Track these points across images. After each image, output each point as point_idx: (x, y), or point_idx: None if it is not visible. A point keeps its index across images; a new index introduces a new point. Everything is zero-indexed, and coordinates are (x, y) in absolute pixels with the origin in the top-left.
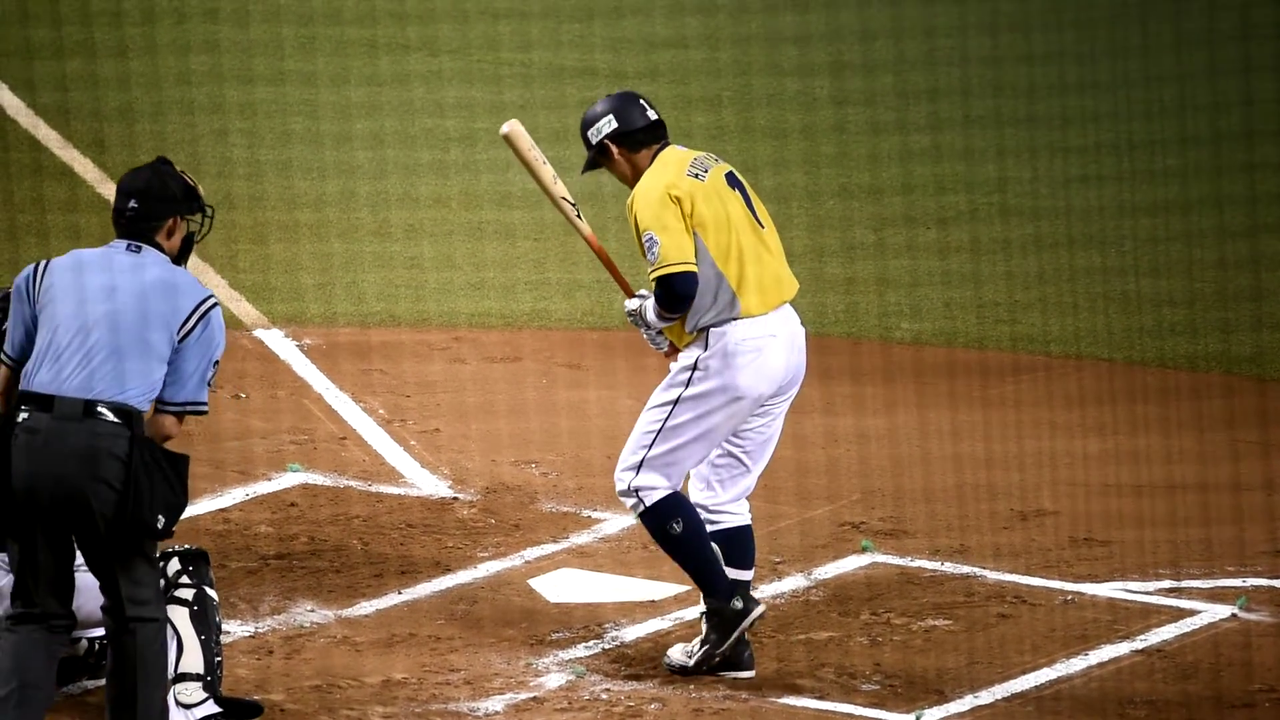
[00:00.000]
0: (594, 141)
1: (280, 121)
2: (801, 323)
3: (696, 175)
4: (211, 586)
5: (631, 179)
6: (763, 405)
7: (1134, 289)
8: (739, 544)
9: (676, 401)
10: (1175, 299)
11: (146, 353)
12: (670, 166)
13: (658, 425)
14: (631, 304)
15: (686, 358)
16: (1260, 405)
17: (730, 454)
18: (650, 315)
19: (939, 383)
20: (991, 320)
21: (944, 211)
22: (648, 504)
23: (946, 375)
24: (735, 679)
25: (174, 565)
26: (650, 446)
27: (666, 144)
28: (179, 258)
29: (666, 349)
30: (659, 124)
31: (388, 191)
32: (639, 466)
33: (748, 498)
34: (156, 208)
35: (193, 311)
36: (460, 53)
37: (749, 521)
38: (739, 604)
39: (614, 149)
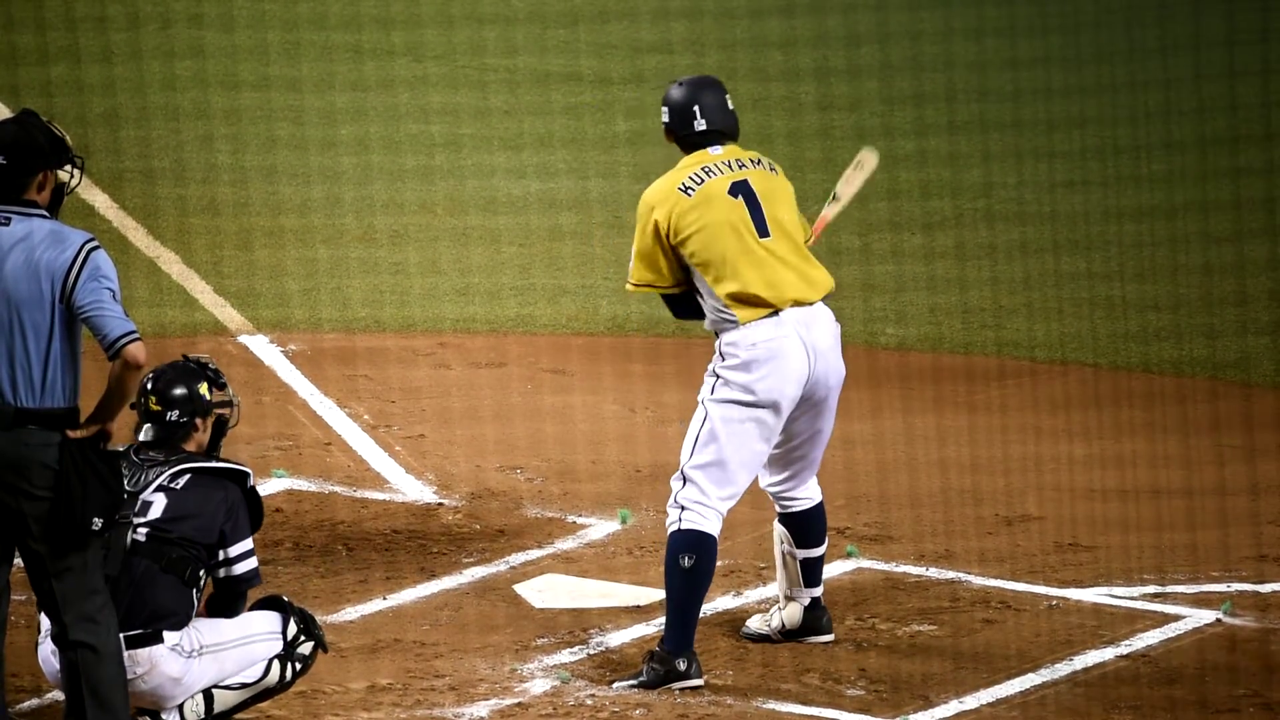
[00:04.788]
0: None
1: (265, 127)
2: (836, 319)
3: (687, 190)
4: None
5: None
6: (799, 406)
7: (1119, 294)
8: (811, 525)
9: (706, 411)
10: (1161, 304)
11: (39, 329)
12: (669, 179)
13: (694, 436)
14: None
15: (711, 365)
16: (1245, 410)
17: (791, 456)
18: None
19: (924, 388)
20: (977, 325)
21: (929, 217)
22: (681, 527)
23: (932, 380)
24: (721, 685)
25: (293, 628)
26: (692, 455)
27: (712, 145)
28: (50, 211)
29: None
30: (707, 133)
31: (373, 197)
32: (683, 479)
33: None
34: (25, 161)
35: (76, 254)
36: (445, 58)
37: (819, 499)
38: (682, 666)
39: (672, 139)
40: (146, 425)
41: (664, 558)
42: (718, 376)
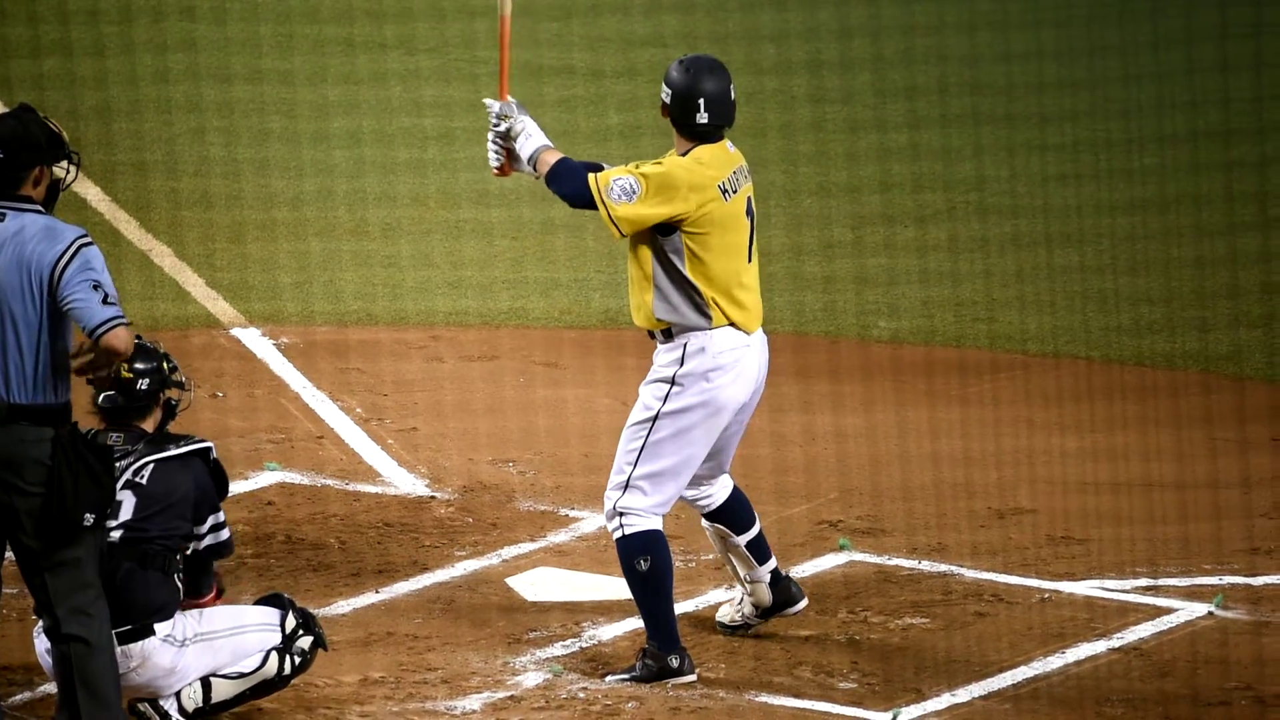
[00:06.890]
0: (662, 94)
1: (258, 120)
2: (767, 328)
3: (725, 193)
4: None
5: (675, 142)
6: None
7: (1112, 287)
8: (739, 510)
9: (656, 418)
10: (1153, 297)
11: (29, 324)
12: (706, 165)
13: (639, 443)
14: (515, 122)
15: (663, 371)
16: (1237, 403)
17: (714, 459)
18: (526, 150)
19: (917, 381)
20: (969, 318)
21: (922, 210)
22: (626, 533)
23: (924, 373)
24: (713, 679)
25: (291, 622)
26: (635, 465)
27: (722, 138)
28: (45, 206)
29: (498, 169)
30: (711, 127)
31: (365, 190)
32: (625, 486)
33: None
34: (22, 156)
35: (66, 249)
36: (438, 51)
37: (732, 484)
38: (675, 662)
39: (667, 117)
40: (111, 393)
41: (621, 567)
42: (674, 383)
